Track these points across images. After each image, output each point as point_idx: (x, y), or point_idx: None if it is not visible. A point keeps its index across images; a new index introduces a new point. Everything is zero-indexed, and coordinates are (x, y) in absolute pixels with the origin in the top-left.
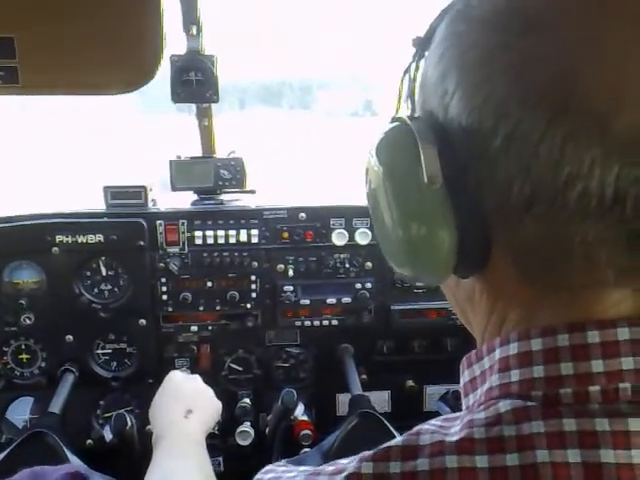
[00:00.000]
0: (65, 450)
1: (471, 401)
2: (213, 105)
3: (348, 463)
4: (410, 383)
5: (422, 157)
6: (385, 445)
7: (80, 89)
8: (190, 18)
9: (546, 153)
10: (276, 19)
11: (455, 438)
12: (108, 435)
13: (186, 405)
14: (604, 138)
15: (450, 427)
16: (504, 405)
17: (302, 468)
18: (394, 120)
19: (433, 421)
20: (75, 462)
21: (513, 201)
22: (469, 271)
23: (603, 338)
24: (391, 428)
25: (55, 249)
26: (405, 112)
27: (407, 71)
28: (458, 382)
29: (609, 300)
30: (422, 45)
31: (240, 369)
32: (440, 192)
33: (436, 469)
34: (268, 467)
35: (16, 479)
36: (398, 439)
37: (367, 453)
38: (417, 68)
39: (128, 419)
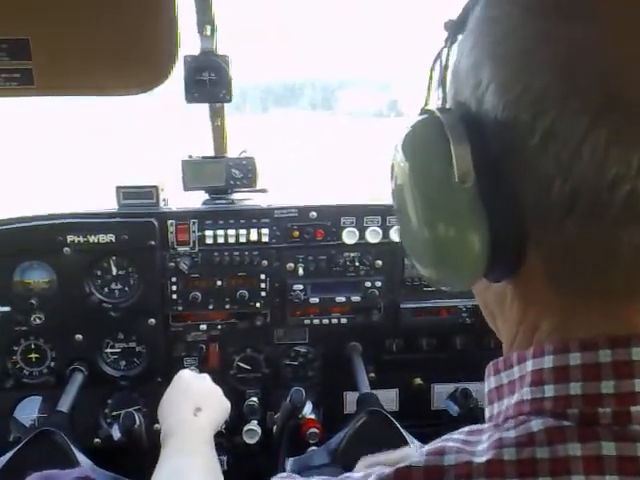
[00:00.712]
0: (73, 449)
1: (496, 410)
2: (235, 106)
3: (363, 478)
4: (418, 381)
5: (453, 153)
6: (406, 464)
7: (95, 90)
8: (204, 18)
9: (589, 153)
10: (298, 19)
11: (483, 459)
12: (116, 434)
13: (195, 403)
14: None
15: (476, 443)
16: (536, 424)
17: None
18: (423, 112)
19: (456, 435)
20: (83, 461)
21: (552, 201)
22: (500, 276)
23: None
24: (399, 426)
25: (66, 249)
26: (435, 103)
27: (439, 57)
28: (466, 380)
29: None
30: (455, 29)
31: (248, 368)
32: (472, 191)
33: None
34: (273, 478)
35: None
36: (420, 457)
37: (385, 472)
38: (449, 54)
39: (136, 417)
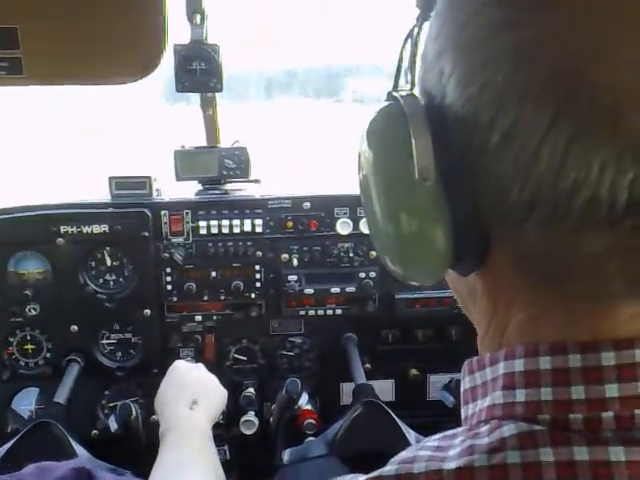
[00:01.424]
0: (70, 440)
1: (470, 411)
2: (238, 94)
3: None
4: (414, 372)
5: (414, 148)
6: (377, 474)
7: (84, 79)
8: (194, 7)
9: (548, 156)
10: (302, 3)
11: (453, 466)
12: (113, 425)
13: (191, 395)
14: (616, 138)
15: (448, 448)
16: (508, 429)
17: None
18: (389, 97)
19: (429, 443)
20: (80, 452)
21: (512, 204)
22: (466, 270)
23: (619, 360)
24: (395, 417)
25: (60, 239)
26: (404, 87)
27: (409, 37)
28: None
29: (623, 314)
30: (426, 7)
31: (244, 359)
32: (434, 187)
33: None
34: None
35: (22, 474)
36: (392, 466)
37: None
38: (419, 34)
39: (133, 409)
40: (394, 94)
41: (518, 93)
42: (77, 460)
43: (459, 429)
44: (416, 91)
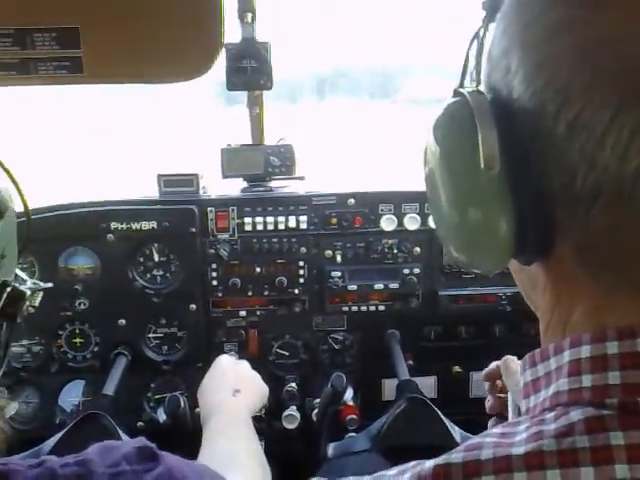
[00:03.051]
0: (119, 431)
1: (532, 403)
2: (289, 96)
3: (397, 476)
4: (457, 369)
5: (480, 138)
6: (444, 460)
7: (141, 78)
8: (245, 6)
9: (612, 144)
10: (355, 3)
11: (522, 451)
12: (162, 416)
13: (233, 385)
14: None
15: (513, 435)
16: (576, 414)
17: None
18: (456, 94)
19: (494, 430)
20: None
21: (578, 190)
22: (530, 259)
23: None
24: (439, 413)
25: (110, 236)
26: (470, 85)
27: (476, 37)
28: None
29: None
30: (492, 8)
31: (287, 354)
32: (498, 176)
33: None
34: None
35: (87, 453)
36: (458, 453)
37: (424, 469)
38: (484, 35)
39: (181, 400)
40: (460, 90)
41: (582, 88)
42: (139, 439)
43: (521, 418)
44: (481, 88)
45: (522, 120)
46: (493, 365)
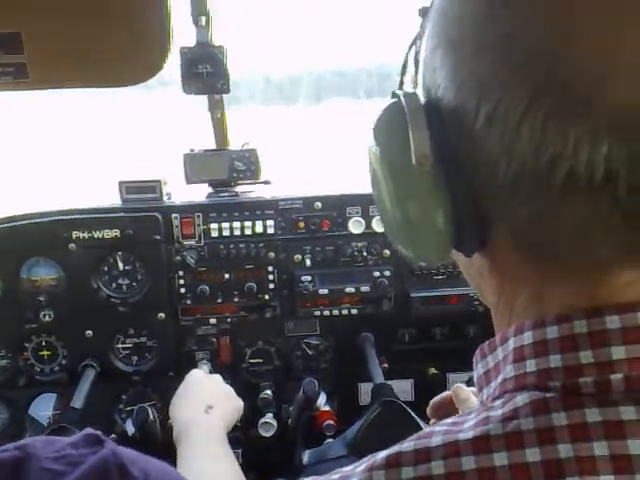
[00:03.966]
0: None
1: (485, 396)
2: (286, 98)
3: (354, 469)
4: (433, 371)
5: (411, 138)
6: (396, 450)
7: (88, 82)
8: (199, 9)
9: (528, 133)
10: (350, 3)
11: (470, 435)
12: (130, 429)
13: (206, 401)
14: (591, 115)
15: (463, 423)
16: (521, 399)
17: None
18: (393, 96)
19: (446, 420)
20: None
21: (499, 182)
22: (470, 250)
23: (624, 323)
24: (415, 416)
25: (72, 245)
26: (410, 87)
27: (414, 43)
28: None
29: (618, 282)
30: (427, 15)
31: (260, 361)
32: (431, 173)
33: (452, 472)
34: None
35: (28, 439)
36: (410, 442)
37: (377, 460)
38: (422, 39)
39: (150, 412)
40: (396, 92)
41: (499, 80)
42: (87, 429)
43: (474, 408)
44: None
45: (447, 117)
46: (438, 398)
